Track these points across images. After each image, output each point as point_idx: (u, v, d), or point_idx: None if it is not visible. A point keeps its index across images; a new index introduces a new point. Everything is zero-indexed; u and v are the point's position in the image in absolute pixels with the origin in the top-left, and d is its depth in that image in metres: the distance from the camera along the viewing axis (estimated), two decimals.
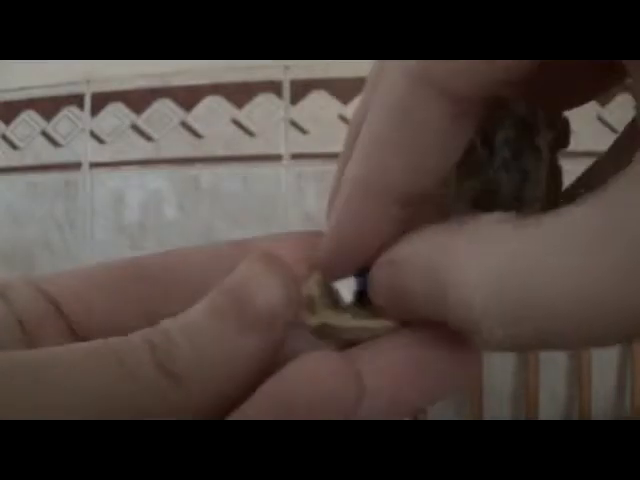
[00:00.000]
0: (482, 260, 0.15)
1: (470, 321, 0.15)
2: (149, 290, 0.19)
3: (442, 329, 0.16)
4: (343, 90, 1.01)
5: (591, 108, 0.97)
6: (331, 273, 0.19)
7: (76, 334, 0.18)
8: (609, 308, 0.13)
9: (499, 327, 0.14)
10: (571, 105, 0.20)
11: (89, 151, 1.09)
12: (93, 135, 1.09)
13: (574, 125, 0.19)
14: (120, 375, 0.14)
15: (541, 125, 0.18)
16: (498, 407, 0.98)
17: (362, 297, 0.20)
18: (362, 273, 0.19)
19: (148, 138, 1.07)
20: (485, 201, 0.19)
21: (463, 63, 0.15)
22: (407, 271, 0.17)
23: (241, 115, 1.04)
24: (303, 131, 1.02)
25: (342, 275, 0.19)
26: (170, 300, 0.19)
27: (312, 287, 0.19)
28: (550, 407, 0.96)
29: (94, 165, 1.09)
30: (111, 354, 0.14)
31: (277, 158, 1.03)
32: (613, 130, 0.99)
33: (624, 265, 0.13)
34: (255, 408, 0.16)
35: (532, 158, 0.18)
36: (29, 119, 1.12)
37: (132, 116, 1.07)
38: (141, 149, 1.07)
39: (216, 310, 0.16)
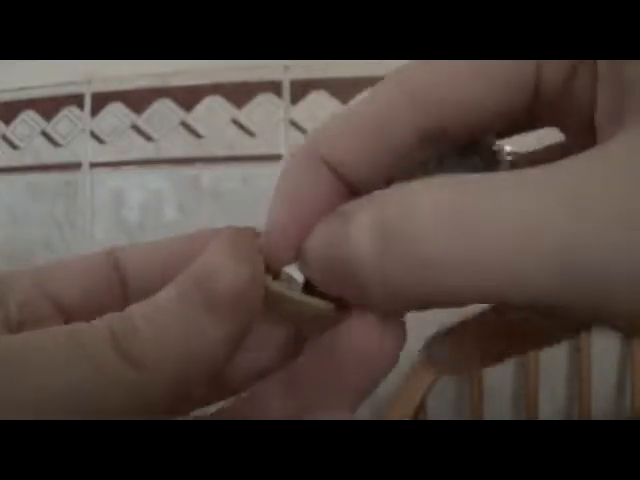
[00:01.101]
0: (437, 186, 0.15)
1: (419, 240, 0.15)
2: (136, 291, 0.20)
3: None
4: (343, 90, 1.01)
5: None
6: (274, 252, 0.18)
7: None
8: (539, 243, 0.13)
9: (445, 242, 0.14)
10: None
11: (89, 151, 1.09)
12: (93, 135, 1.09)
13: None
14: (82, 363, 0.14)
15: (498, 165, 0.19)
16: (498, 407, 0.98)
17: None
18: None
19: (148, 138, 1.07)
20: None
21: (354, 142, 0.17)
22: (354, 222, 0.16)
23: (241, 115, 1.04)
24: (303, 131, 1.02)
25: (284, 255, 0.18)
26: None
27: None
28: (550, 407, 0.96)
29: (94, 165, 1.09)
30: (74, 343, 0.14)
31: (277, 158, 1.03)
32: None
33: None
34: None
35: None
36: (29, 119, 1.12)
37: (132, 116, 1.07)
38: (141, 149, 1.07)
39: (182, 294, 0.15)
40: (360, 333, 0.17)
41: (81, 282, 0.19)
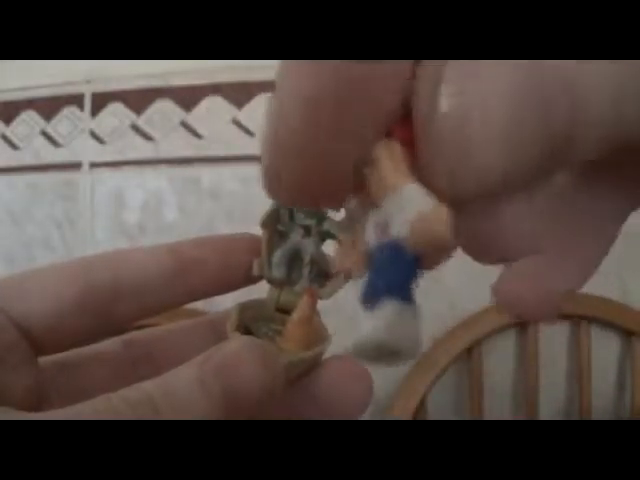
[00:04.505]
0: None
1: None
2: (122, 309, 0.19)
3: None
4: None
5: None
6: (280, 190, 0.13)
7: (43, 352, 0.19)
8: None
9: None
10: None
11: (89, 151, 1.09)
12: (93, 135, 1.09)
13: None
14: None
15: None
16: (498, 407, 0.97)
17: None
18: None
19: (148, 138, 1.07)
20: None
21: None
22: None
23: (241, 115, 1.04)
24: None
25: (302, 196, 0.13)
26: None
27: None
28: (550, 407, 0.96)
29: (94, 165, 1.09)
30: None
31: None
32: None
33: None
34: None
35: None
36: (29, 119, 1.11)
37: (132, 116, 1.07)
38: (141, 149, 1.07)
39: (204, 387, 0.15)
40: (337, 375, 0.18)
41: (47, 305, 0.18)
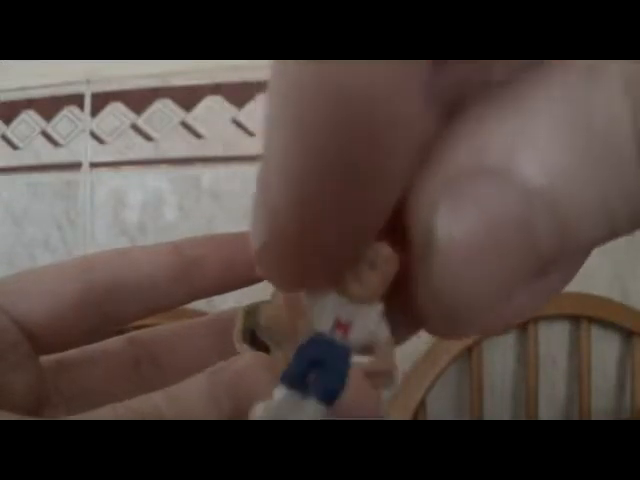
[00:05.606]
0: None
1: None
2: (122, 308, 0.19)
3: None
4: None
5: None
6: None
7: (44, 351, 0.19)
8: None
9: None
10: None
11: (89, 151, 1.09)
12: (93, 135, 1.09)
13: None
14: None
15: None
16: (498, 407, 0.98)
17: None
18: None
19: (148, 138, 1.07)
20: None
21: None
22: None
23: (241, 115, 1.04)
24: None
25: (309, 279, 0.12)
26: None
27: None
28: (550, 407, 0.96)
29: (94, 165, 1.09)
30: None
31: None
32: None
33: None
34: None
35: None
36: (29, 119, 1.12)
37: (132, 116, 1.07)
38: (141, 149, 1.07)
39: (214, 401, 0.15)
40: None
41: (47, 304, 0.18)
